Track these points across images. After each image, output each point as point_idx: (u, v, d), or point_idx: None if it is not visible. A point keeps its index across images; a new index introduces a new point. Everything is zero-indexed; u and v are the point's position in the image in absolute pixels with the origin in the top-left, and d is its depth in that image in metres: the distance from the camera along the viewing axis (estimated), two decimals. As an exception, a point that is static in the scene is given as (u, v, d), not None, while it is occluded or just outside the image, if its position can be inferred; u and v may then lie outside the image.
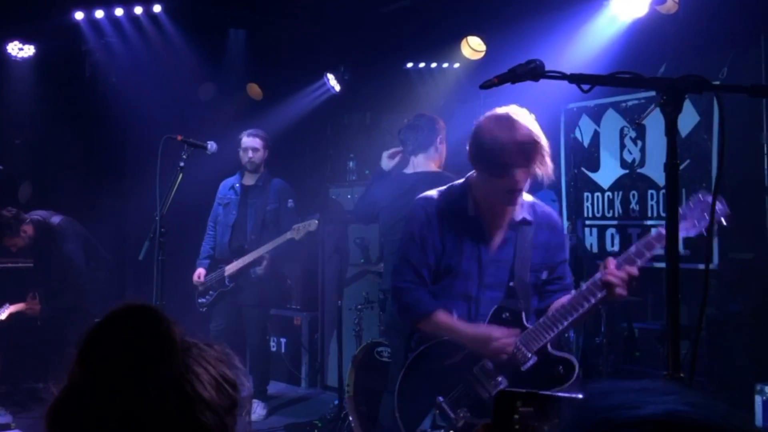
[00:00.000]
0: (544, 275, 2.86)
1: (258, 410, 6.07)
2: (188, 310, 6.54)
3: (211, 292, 5.96)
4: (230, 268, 5.85)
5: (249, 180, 6.04)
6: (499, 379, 2.69)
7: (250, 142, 5.94)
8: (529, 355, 2.66)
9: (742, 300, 4.96)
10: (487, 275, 2.81)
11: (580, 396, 0.63)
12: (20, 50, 6.72)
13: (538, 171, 2.66)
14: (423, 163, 4.58)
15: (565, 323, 2.64)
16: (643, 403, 0.59)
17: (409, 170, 4.63)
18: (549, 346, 2.67)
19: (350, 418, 5.13)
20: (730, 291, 5.00)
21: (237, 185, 6.05)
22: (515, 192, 2.72)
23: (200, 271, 5.98)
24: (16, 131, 7.25)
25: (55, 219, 5.80)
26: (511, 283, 2.80)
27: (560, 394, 0.74)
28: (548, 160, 2.67)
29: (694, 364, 1.89)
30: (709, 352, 4.84)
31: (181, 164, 4.14)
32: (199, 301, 6.01)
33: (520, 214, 2.84)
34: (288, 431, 5.77)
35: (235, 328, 6.02)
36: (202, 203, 6.33)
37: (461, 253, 2.83)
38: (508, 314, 2.75)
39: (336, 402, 5.77)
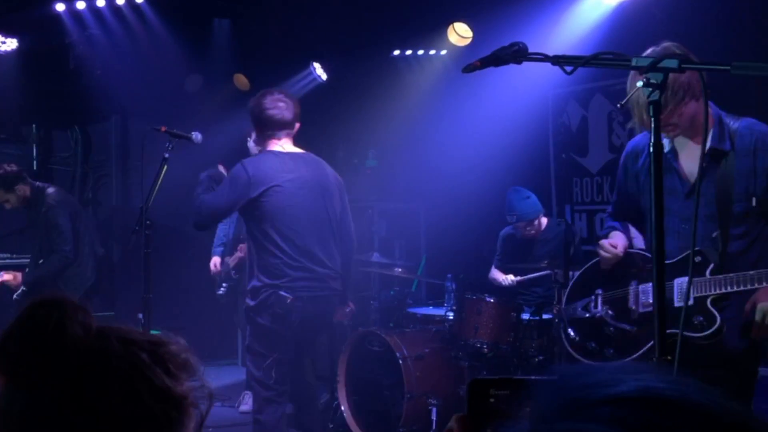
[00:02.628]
0: (753, 203, 2.74)
1: (250, 402, 6.05)
2: (176, 301, 6.52)
3: (224, 285, 5.98)
4: (233, 260, 5.88)
5: None
6: (650, 301, 2.80)
7: None
8: (688, 297, 2.68)
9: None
10: (685, 208, 2.82)
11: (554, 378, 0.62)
12: (3, 44, 6.65)
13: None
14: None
15: (730, 289, 2.64)
16: (617, 381, 0.58)
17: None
18: (709, 300, 2.69)
19: (342, 408, 5.13)
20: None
21: None
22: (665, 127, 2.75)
23: (215, 260, 6.01)
24: (1, 126, 7.19)
25: (51, 189, 5.81)
26: (714, 234, 2.78)
27: (534, 377, 0.72)
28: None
29: (681, 348, 1.88)
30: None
31: (166, 155, 4.10)
32: (217, 293, 6.03)
33: (710, 142, 2.75)
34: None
35: None
36: (190, 195, 6.29)
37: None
38: (700, 258, 2.76)
39: (328, 392, 5.76)
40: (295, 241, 3.87)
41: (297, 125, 4.11)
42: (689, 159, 2.84)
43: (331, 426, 5.29)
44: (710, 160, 2.76)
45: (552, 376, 0.62)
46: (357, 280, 6.03)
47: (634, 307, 2.93)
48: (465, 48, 6.09)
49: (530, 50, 2.07)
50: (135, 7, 6.23)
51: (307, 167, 4.01)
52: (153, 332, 1.19)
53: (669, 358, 1.83)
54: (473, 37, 5.97)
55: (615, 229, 3.13)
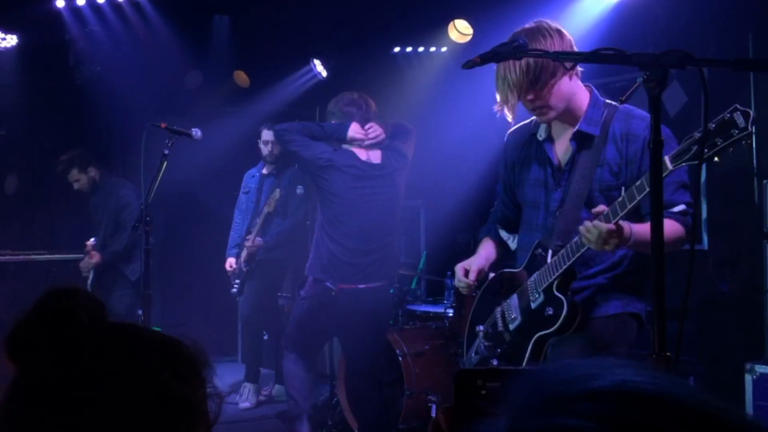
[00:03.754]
0: (622, 192, 2.46)
1: (250, 396, 6.06)
2: (175, 298, 6.52)
3: (236, 281, 5.99)
4: (243, 254, 5.90)
5: (267, 169, 6.15)
6: (514, 315, 2.72)
7: (269, 135, 5.96)
8: (537, 294, 2.61)
9: (732, 280, 4.96)
10: (552, 201, 2.67)
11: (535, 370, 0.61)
12: (3, 40, 6.64)
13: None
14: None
15: (568, 263, 2.49)
16: (595, 376, 0.58)
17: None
18: (554, 286, 2.55)
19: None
20: (719, 271, 5.00)
21: (257, 174, 6.14)
22: (533, 110, 2.59)
23: (230, 261, 6.03)
24: (1, 122, 7.19)
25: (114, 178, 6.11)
26: (558, 212, 2.63)
27: (521, 368, 0.72)
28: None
29: (680, 343, 1.88)
30: (699, 332, 4.85)
31: (166, 152, 4.10)
32: (231, 291, 6.05)
33: (581, 124, 2.58)
34: (280, 419, 5.76)
35: (259, 315, 6.08)
36: (190, 191, 6.30)
37: (529, 181, 2.76)
38: (540, 250, 2.65)
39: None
40: (354, 237, 4.20)
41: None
42: (564, 148, 2.66)
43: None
44: (577, 145, 2.60)
45: (531, 372, 0.62)
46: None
47: (502, 329, 2.77)
48: (465, 45, 6.08)
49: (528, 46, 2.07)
50: (135, 4, 6.23)
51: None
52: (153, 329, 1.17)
53: (668, 354, 1.82)
54: (474, 34, 5.96)
55: (488, 235, 2.99)
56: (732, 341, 4.81)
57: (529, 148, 2.78)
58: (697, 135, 2.10)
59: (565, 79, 2.51)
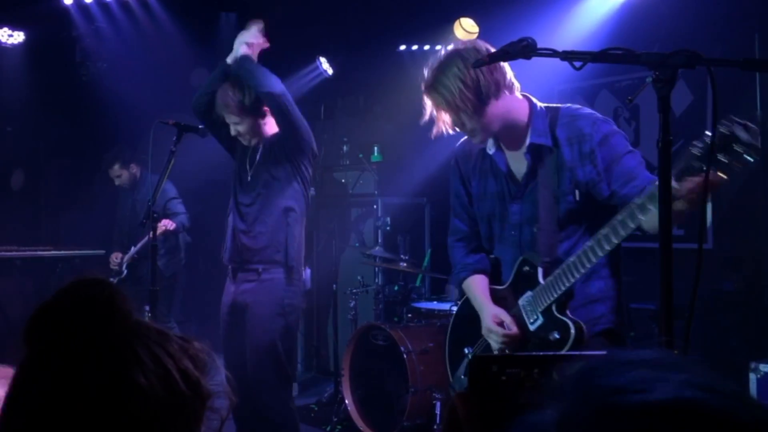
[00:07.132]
0: (577, 197, 2.47)
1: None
2: (184, 295, 6.52)
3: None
4: None
5: None
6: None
7: None
8: (536, 315, 2.49)
9: (736, 279, 4.97)
10: (512, 214, 2.61)
11: (568, 357, 0.61)
12: (10, 36, 6.66)
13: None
14: None
15: (571, 281, 2.35)
16: (651, 385, 0.54)
17: None
18: (554, 307, 2.43)
19: (346, 402, 5.15)
20: (723, 270, 5.01)
21: None
22: (465, 134, 2.63)
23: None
24: (7, 119, 7.21)
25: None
26: (535, 228, 2.55)
27: (540, 353, 0.72)
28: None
29: (687, 343, 1.89)
30: (702, 331, 4.86)
31: (173, 148, 4.10)
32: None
33: (531, 137, 2.53)
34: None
35: None
36: (192, 188, 6.31)
37: (486, 194, 2.73)
38: (528, 268, 2.54)
39: (332, 385, 5.78)
40: None
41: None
42: (517, 159, 2.61)
43: (335, 419, 5.31)
44: (532, 158, 2.54)
45: (578, 368, 0.59)
46: (360, 275, 6.06)
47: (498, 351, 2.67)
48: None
49: (537, 45, 2.07)
50: (142, 1, 6.24)
51: None
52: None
53: (675, 353, 1.83)
54: (480, 33, 5.97)
55: (475, 270, 2.83)
56: (736, 340, 4.82)
57: (482, 160, 2.74)
58: (696, 150, 2.03)
59: (492, 101, 2.47)
